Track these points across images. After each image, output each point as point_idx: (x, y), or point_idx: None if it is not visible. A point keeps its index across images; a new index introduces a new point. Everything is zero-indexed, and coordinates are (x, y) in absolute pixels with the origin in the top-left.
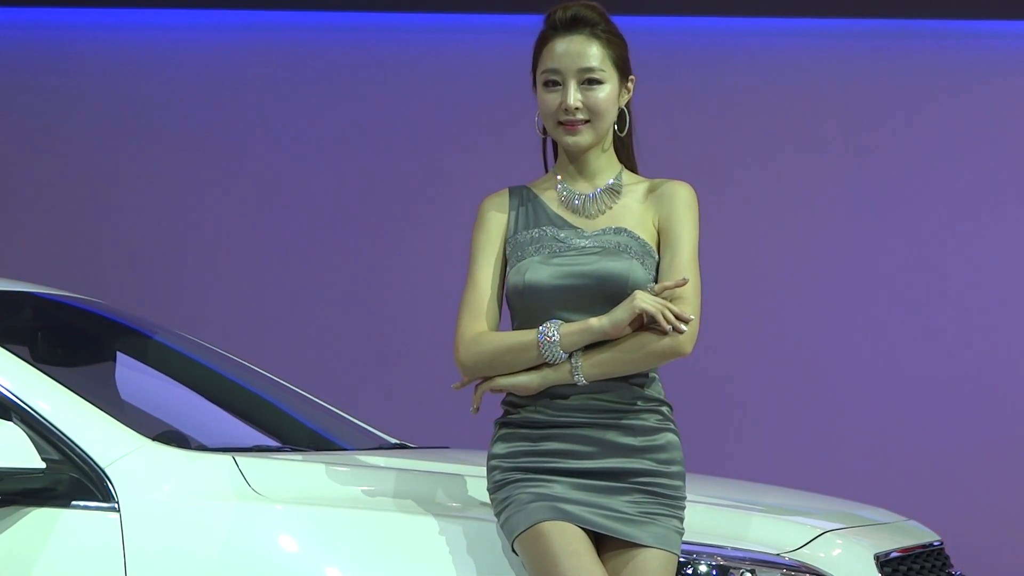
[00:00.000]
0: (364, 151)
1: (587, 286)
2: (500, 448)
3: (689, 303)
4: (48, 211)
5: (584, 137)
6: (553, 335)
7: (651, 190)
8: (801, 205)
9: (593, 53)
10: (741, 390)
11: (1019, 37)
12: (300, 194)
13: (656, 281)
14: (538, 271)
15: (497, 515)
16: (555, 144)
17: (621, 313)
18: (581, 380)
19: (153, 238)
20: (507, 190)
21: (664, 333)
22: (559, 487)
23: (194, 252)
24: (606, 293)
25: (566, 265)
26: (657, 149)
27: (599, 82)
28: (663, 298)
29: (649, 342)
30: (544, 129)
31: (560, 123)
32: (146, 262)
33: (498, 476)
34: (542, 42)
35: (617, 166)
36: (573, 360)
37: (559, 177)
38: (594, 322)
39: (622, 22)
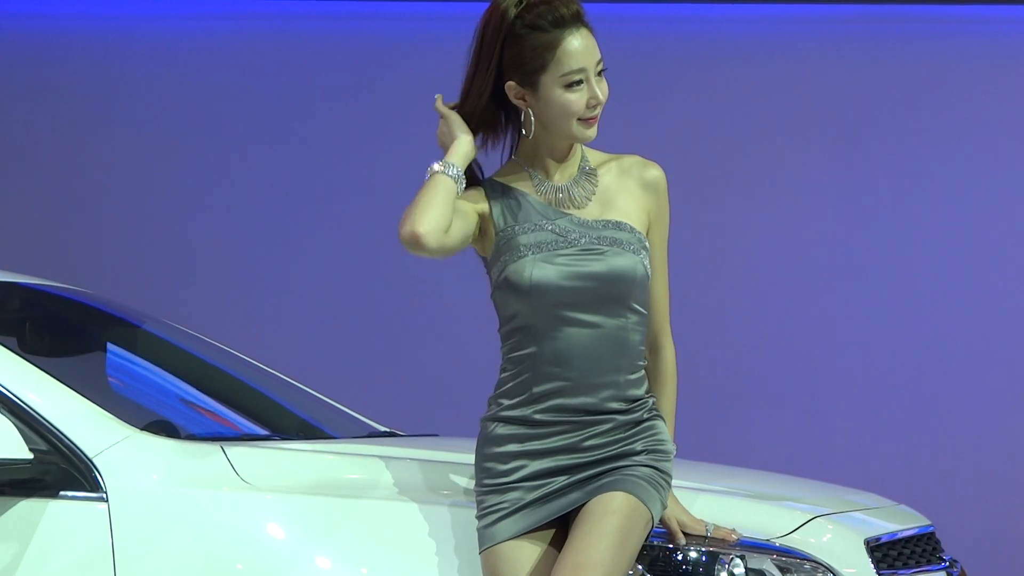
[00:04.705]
0: (350, 139)
1: (595, 287)
2: (488, 448)
3: (665, 301)
4: (36, 201)
5: (597, 128)
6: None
7: (625, 170)
8: (793, 194)
9: (597, 44)
10: (731, 377)
11: (1015, 22)
12: (287, 182)
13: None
14: (544, 270)
15: (476, 518)
16: (517, 136)
17: None
18: None
19: (140, 228)
20: (483, 187)
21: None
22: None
23: (182, 241)
24: (613, 292)
25: (572, 265)
26: (644, 139)
27: (603, 72)
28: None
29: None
30: (524, 128)
31: (581, 119)
32: (134, 252)
33: (484, 479)
34: (549, 44)
35: (577, 147)
36: None
37: (530, 171)
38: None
39: (608, 11)
